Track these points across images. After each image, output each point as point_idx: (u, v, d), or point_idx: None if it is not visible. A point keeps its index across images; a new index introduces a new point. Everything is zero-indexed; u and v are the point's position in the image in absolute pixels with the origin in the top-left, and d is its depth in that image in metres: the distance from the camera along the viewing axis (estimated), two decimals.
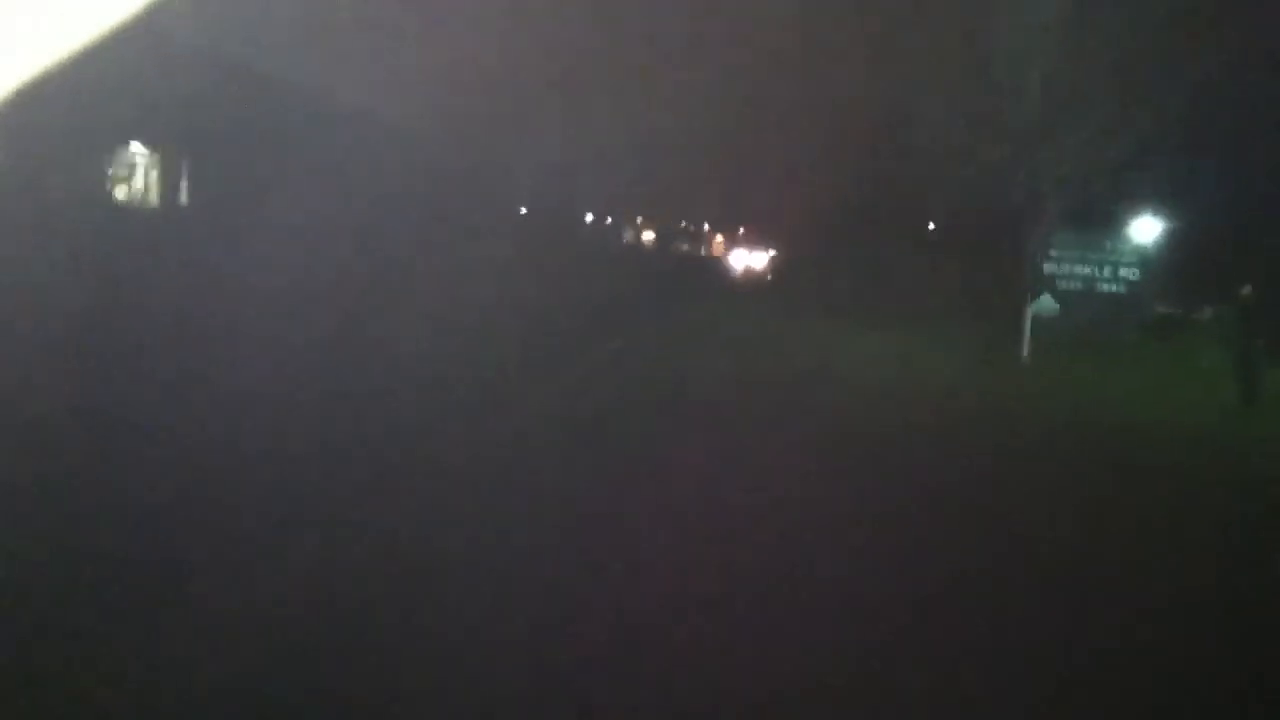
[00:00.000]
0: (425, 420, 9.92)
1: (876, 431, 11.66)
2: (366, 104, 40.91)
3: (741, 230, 77.84)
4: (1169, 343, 22.89)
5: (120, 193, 30.21)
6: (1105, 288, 22.34)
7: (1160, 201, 23.90)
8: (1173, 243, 24.03)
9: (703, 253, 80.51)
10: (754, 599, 5.75)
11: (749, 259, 65.29)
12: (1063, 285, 22.08)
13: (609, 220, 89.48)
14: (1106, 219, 23.20)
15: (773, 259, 63.31)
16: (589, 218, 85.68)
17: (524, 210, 70.05)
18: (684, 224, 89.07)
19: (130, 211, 29.60)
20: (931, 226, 33.37)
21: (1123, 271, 22.59)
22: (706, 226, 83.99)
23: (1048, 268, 21.82)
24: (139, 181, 30.96)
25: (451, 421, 10.06)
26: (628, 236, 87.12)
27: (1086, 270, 22.23)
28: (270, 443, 8.05)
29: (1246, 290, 15.10)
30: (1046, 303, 21.67)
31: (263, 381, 10.36)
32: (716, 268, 60.50)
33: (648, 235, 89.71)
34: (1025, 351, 20.54)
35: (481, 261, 29.22)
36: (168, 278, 19.78)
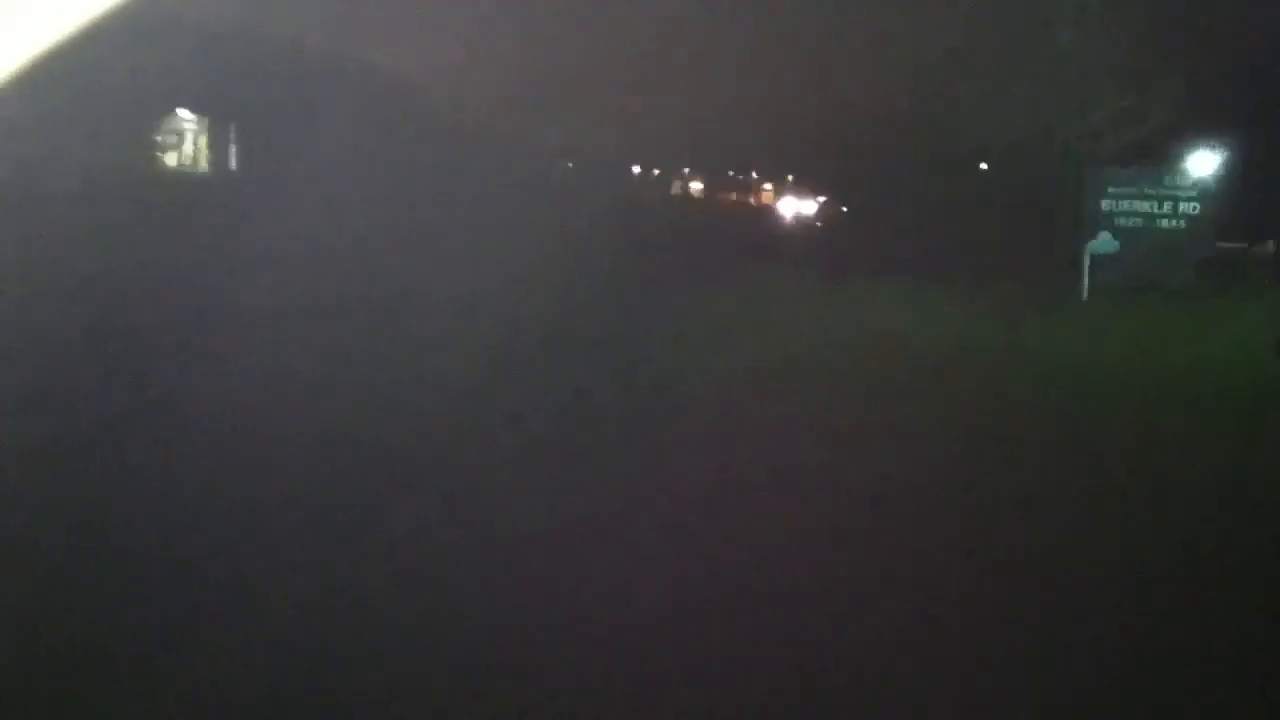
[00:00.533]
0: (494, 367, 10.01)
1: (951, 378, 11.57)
2: (412, 67, 40.82)
3: (790, 178, 76.91)
4: (1228, 280, 22.34)
5: (170, 159, 30.47)
6: (1164, 224, 21.76)
7: (1220, 133, 23.19)
8: (1233, 176, 23.31)
9: (751, 202, 79.69)
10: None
11: (799, 206, 64.49)
12: (1120, 222, 21.53)
13: (656, 172, 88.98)
14: (1165, 153, 22.56)
15: (823, 206, 62.56)
16: (636, 169, 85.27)
17: (570, 164, 69.84)
18: (732, 173, 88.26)
19: (180, 176, 29.87)
20: (984, 167, 32.72)
21: (1182, 207, 21.97)
22: (754, 175, 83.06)
23: (1105, 205, 21.30)
24: (188, 148, 31.20)
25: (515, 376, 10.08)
26: (675, 188, 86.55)
27: (1145, 207, 21.64)
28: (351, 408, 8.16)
29: None
30: (1104, 241, 21.17)
31: (328, 342, 10.58)
32: (766, 215, 59.81)
33: (696, 186, 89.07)
34: (1085, 292, 20.20)
35: (526, 218, 29.11)
36: (219, 241, 20.01)
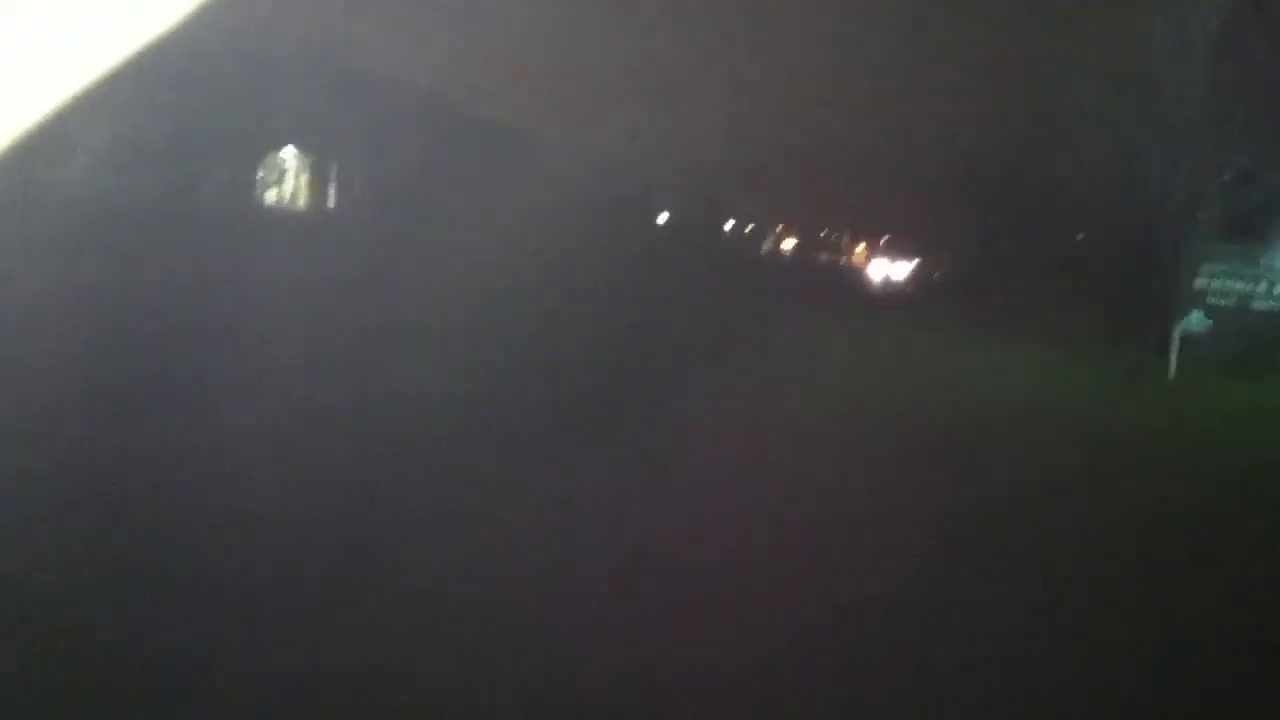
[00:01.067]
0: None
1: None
2: (510, 114, 41.66)
3: (885, 239, 76.58)
4: None
5: (270, 196, 31.54)
6: (1260, 305, 21.12)
7: None
8: None
9: (842, 262, 79.41)
10: None
11: (889, 269, 63.87)
12: (1214, 301, 20.96)
13: (749, 228, 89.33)
14: (1262, 231, 21.98)
15: (916, 269, 61.92)
16: (729, 225, 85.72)
17: (663, 218, 70.47)
18: (825, 232, 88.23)
19: (280, 214, 30.88)
20: (1080, 238, 32.28)
21: (1279, 288, 21.35)
22: (848, 236, 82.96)
23: (1198, 282, 20.77)
24: (288, 186, 32.27)
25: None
26: (767, 244, 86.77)
27: (1240, 285, 21.05)
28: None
29: None
30: (1196, 319, 20.64)
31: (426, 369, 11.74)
32: (854, 278, 59.08)
33: (789, 243, 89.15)
34: (1173, 370, 19.69)
35: (613, 274, 29.43)
36: (319, 277, 20.69)
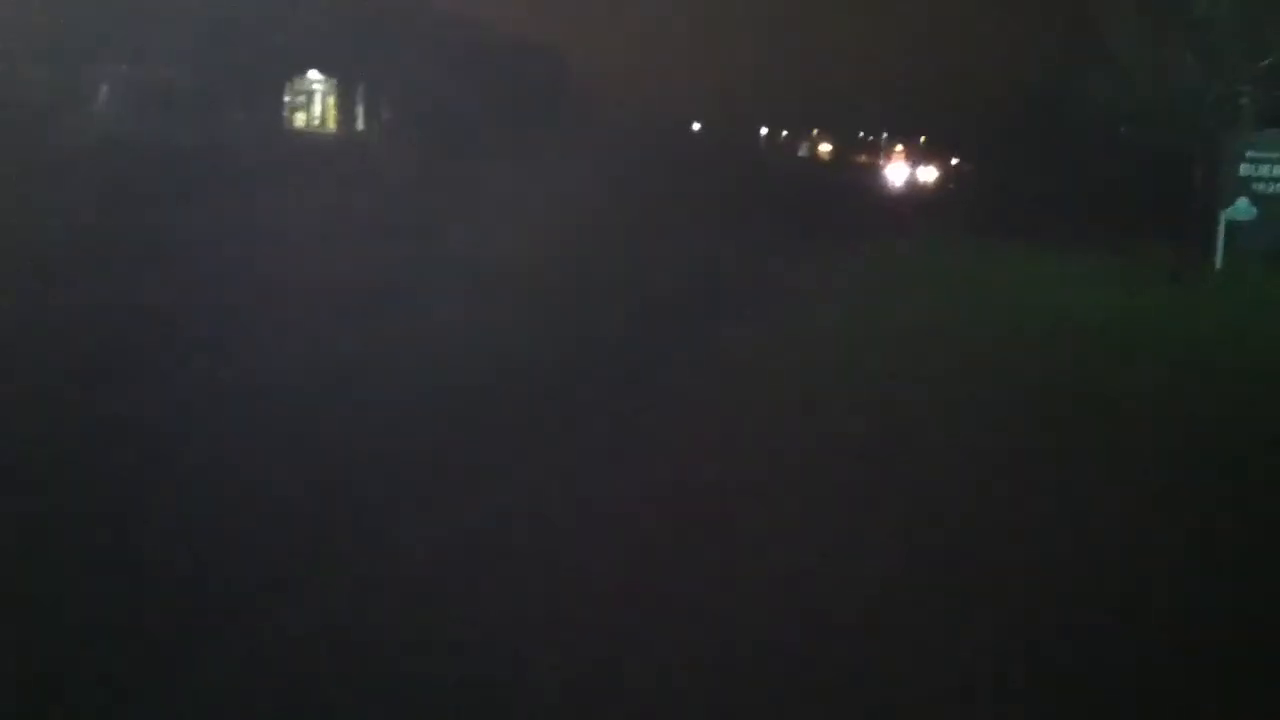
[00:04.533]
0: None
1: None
2: (533, 31, 40.99)
3: (922, 140, 75.12)
4: None
5: (298, 120, 31.43)
6: None
7: None
8: None
9: (881, 163, 78.10)
10: None
11: (926, 172, 62.58)
12: (1259, 188, 20.45)
13: (784, 134, 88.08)
14: None
15: (955, 169, 60.71)
16: (763, 131, 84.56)
17: (697, 126, 69.66)
18: (862, 134, 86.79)
19: (308, 136, 30.76)
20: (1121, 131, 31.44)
21: None
22: (885, 135, 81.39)
23: (1243, 169, 20.25)
24: (316, 109, 32.12)
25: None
26: (803, 150, 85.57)
27: None
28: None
29: None
30: (1242, 207, 20.15)
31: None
32: (890, 181, 58.03)
33: (825, 147, 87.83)
34: (1219, 261, 19.29)
35: (643, 181, 29.18)
36: (354, 195, 20.80)
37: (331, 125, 32.42)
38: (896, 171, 60.80)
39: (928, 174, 60.63)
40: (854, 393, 8.60)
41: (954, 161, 62.63)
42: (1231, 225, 19.78)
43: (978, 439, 7.39)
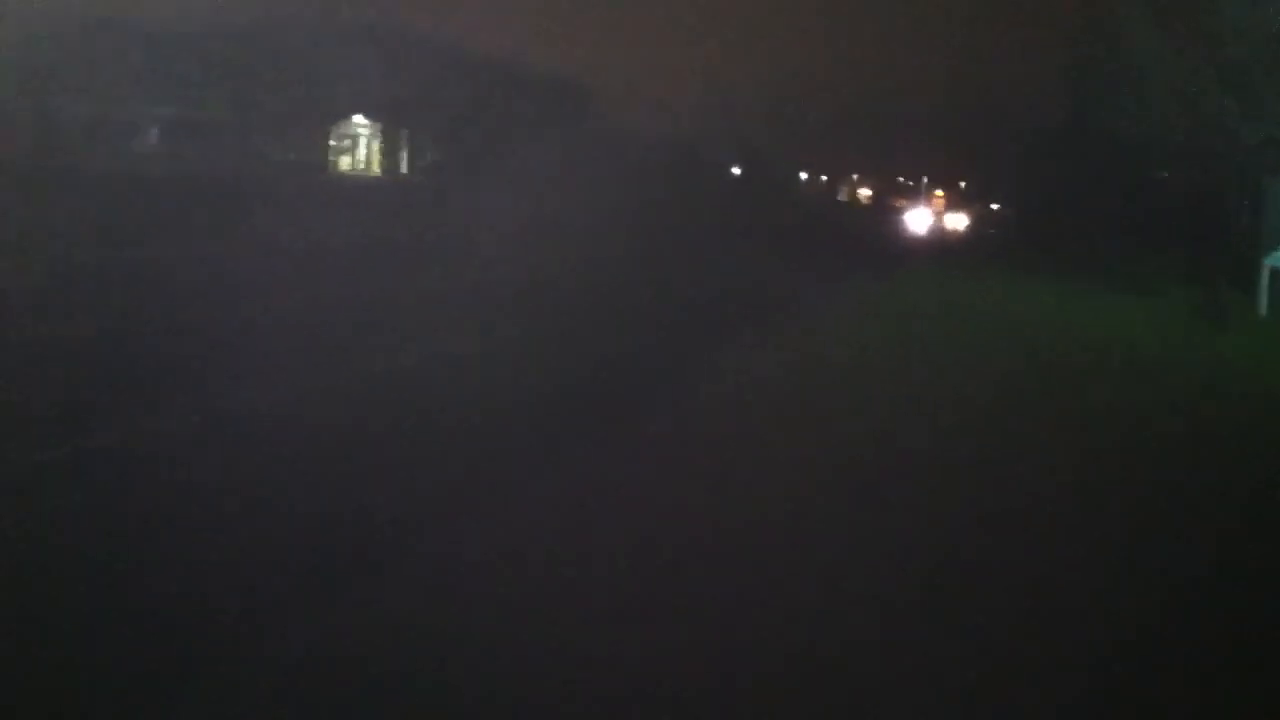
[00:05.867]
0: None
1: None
2: (574, 77, 41.50)
3: (962, 184, 75.07)
4: None
5: (343, 163, 31.90)
6: None
7: None
8: None
9: (919, 208, 78.05)
10: None
11: (966, 215, 61.86)
12: None
13: (824, 179, 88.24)
14: None
15: (994, 216, 60.19)
16: (803, 176, 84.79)
17: (736, 170, 69.92)
18: (901, 179, 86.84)
19: (352, 179, 31.21)
20: (1164, 176, 31.32)
21: None
22: (925, 180, 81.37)
23: None
24: (360, 152, 32.60)
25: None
26: (842, 194, 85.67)
27: None
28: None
29: None
30: None
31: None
32: (929, 224, 56.66)
33: (864, 191, 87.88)
34: (1263, 307, 19.08)
35: (683, 229, 29.38)
36: (398, 236, 21.24)
37: (376, 169, 32.89)
38: (918, 218, 51.14)
39: (956, 221, 54.08)
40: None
41: (994, 206, 62.46)
42: (1276, 272, 19.61)
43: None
